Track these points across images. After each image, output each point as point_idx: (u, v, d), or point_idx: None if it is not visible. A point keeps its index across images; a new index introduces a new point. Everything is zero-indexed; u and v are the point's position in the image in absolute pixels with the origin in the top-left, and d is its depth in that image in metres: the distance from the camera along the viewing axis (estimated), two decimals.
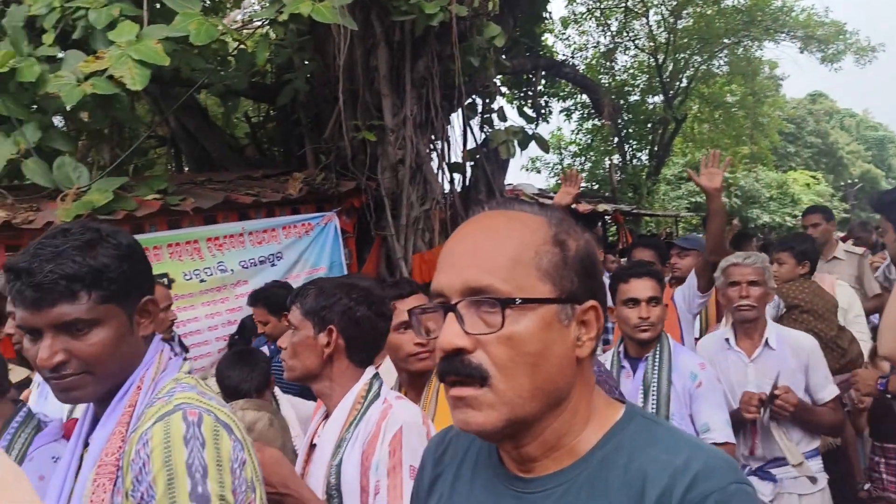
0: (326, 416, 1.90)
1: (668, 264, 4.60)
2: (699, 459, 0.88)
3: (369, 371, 1.90)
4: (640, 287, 2.75)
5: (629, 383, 2.80)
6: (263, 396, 2.92)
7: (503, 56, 7.46)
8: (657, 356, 2.76)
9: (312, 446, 1.93)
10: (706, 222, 3.85)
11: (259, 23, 6.68)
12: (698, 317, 4.10)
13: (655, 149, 17.16)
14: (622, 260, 6.70)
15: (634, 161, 17.45)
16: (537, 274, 0.92)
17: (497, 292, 0.90)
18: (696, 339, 3.80)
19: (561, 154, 19.87)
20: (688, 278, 3.84)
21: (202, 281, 4.82)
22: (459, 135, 7.07)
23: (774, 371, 2.88)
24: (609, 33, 16.84)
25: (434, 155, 6.62)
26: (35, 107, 4.57)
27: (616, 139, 16.67)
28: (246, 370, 2.89)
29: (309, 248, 5.49)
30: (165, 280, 4.49)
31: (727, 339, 3.10)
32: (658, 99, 17.21)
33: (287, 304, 1.97)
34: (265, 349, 3.90)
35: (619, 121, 16.39)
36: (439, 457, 1.12)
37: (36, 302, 1.31)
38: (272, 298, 3.85)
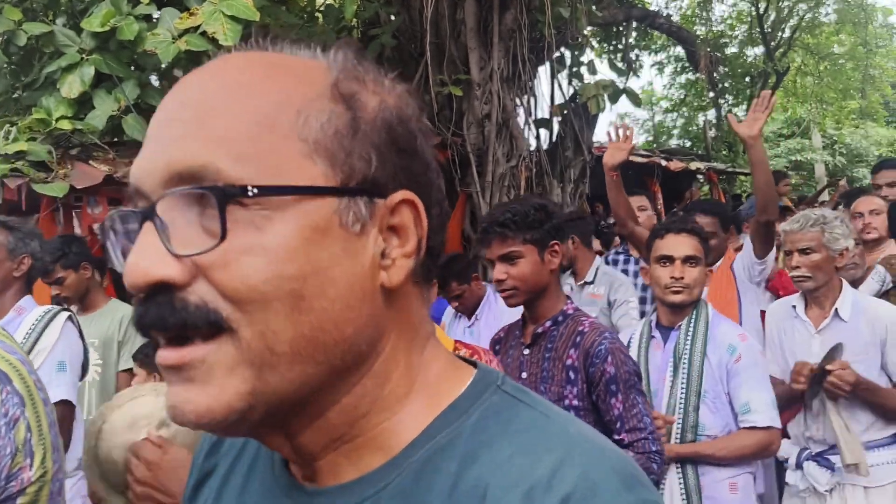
0: None
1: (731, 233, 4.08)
2: (575, 468, 0.52)
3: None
4: (676, 243, 2.44)
5: (659, 355, 2.52)
6: None
7: (594, 7, 7.18)
8: (691, 325, 2.45)
9: None
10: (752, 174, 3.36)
11: None
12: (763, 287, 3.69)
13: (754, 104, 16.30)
14: None
15: (731, 117, 16.66)
16: (301, 147, 0.54)
17: (220, 177, 0.51)
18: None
19: (652, 110, 19.21)
20: (745, 244, 3.48)
21: None
22: (547, 89, 6.92)
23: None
24: None
25: (521, 110, 6.50)
26: (134, 65, 4.72)
27: (711, 94, 15.92)
28: None
29: None
30: None
31: (794, 307, 2.79)
32: (758, 51, 16.25)
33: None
34: None
35: (716, 74, 15.61)
36: (213, 445, 0.73)
37: None
38: None
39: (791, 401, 2.64)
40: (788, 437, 2.76)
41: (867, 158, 21.62)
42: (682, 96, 17.85)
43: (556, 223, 2.07)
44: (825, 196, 10.16)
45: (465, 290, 3.75)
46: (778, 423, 2.36)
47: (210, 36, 4.09)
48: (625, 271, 4.28)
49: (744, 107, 16.65)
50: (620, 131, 3.68)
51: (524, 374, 2.10)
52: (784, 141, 21.07)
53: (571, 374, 1.99)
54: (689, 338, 2.42)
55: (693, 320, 2.45)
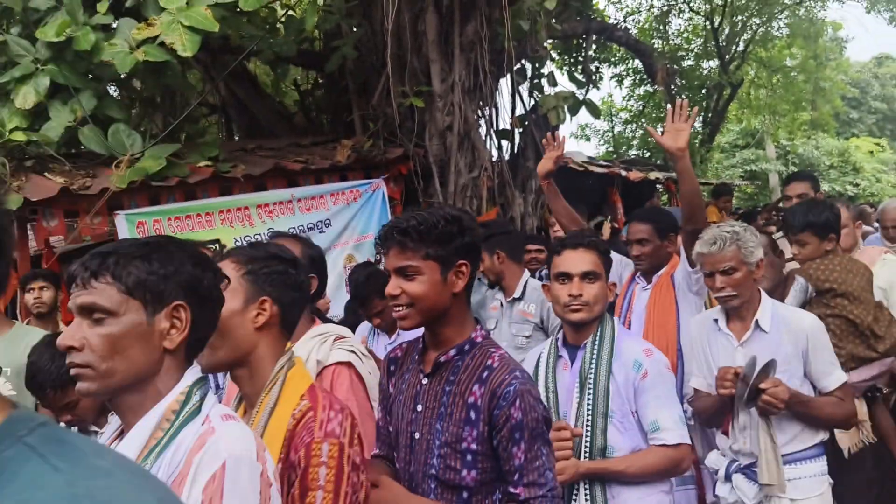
0: (121, 434, 1.35)
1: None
2: None
3: (191, 373, 1.35)
4: (573, 259, 2.33)
5: (567, 376, 2.37)
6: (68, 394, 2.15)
7: (553, 20, 7.29)
8: (596, 342, 2.32)
9: None
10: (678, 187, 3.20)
11: None
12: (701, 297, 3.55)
13: (709, 115, 16.65)
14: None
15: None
16: None
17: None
18: None
19: (612, 121, 19.49)
20: (682, 254, 3.39)
21: None
22: (508, 101, 6.99)
23: (766, 356, 2.50)
24: None
25: (482, 121, 6.56)
26: (90, 75, 4.65)
27: (668, 105, 16.22)
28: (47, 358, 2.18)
29: (357, 215, 5.52)
30: (217, 246, 4.57)
31: (716, 320, 2.73)
32: (713, 64, 16.61)
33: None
34: None
35: (673, 86, 15.94)
36: None
37: None
38: None
39: (722, 410, 2.59)
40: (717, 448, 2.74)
41: (819, 168, 22.25)
42: (640, 108, 18.15)
43: (468, 241, 1.81)
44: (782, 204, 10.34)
45: (387, 306, 3.47)
46: (687, 440, 2.27)
47: (169, 46, 4.06)
48: None
49: (700, 119, 17.01)
50: (551, 141, 3.61)
51: (419, 407, 1.85)
52: (739, 151, 21.57)
53: (473, 414, 1.76)
54: (595, 356, 2.30)
55: (598, 338, 2.33)
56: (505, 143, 6.96)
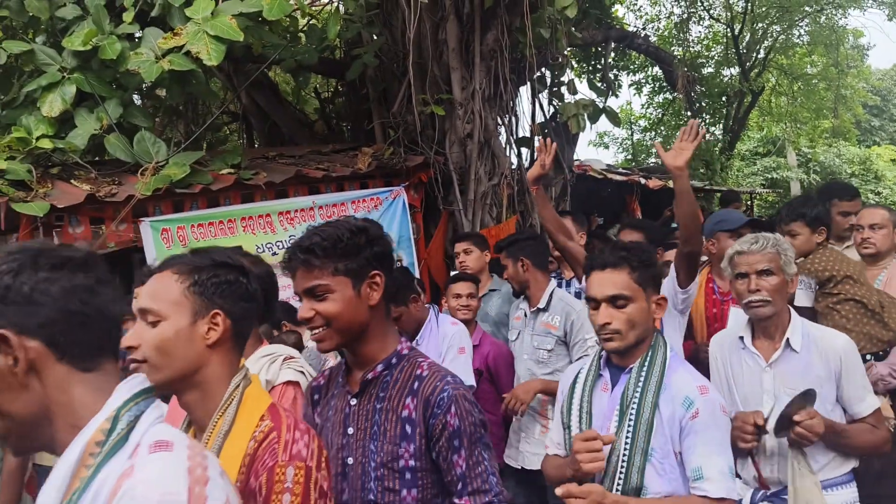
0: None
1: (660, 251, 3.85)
2: None
3: (126, 387, 1.10)
4: (599, 283, 2.07)
5: (605, 398, 2.10)
6: None
7: (573, 28, 7.29)
8: (644, 368, 2.05)
9: None
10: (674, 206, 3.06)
11: None
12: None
13: (730, 123, 16.55)
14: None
15: (708, 136, 16.90)
16: None
17: None
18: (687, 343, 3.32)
19: (630, 129, 19.43)
20: (670, 270, 3.24)
21: (274, 254, 4.91)
22: (528, 108, 6.99)
23: (796, 379, 2.34)
24: (683, 3, 16.24)
25: (502, 129, 6.56)
26: (116, 84, 4.71)
27: (689, 113, 16.14)
28: None
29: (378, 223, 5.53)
30: None
31: (741, 338, 2.52)
32: (734, 71, 16.52)
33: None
34: None
35: (693, 94, 15.86)
36: None
37: None
38: None
39: (736, 449, 2.29)
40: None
41: (840, 176, 22.02)
42: (660, 115, 18.08)
43: (378, 250, 1.72)
44: None
45: (403, 312, 3.46)
46: (734, 496, 2.00)
47: (194, 55, 4.10)
48: None
49: (720, 126, 16.92)
50: (541, 148, 3.58)
51: (350, 430, 1.75)
52: (760, 159, 21.39)
53: (408, 429, 1.68)
54: (640, 385, 2.03)
55: (646, 363, 2.06)
56: (525, 150, 6.96)
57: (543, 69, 7.02)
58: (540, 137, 3.66)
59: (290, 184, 5.21)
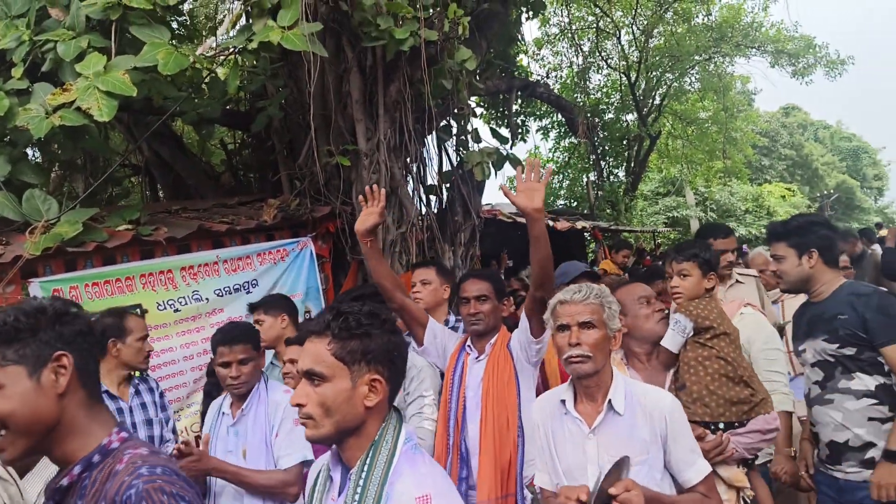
0: None
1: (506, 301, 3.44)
2: None
3: None
4: (301, 353, 1.72)
5: None
6: None
7: (476, 78, 7.53)
8: (363, 471, 1.58)
9: None
10: (530, 249, 2.86)
11: (231, 50, 6.73)
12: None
13: (632, 165, 17.35)
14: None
15: (611, 178, 17.63)
16: None
17: None
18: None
19: (539, 173, 20.01)
20: (521, 319, 3.06)
21: (176, 311, 4.78)
22: (435, 157, 7.12)
23: (621, 445, 2.13)
24: (582, 53, 17.06)
25: (410, 178, 6.65)
26: (5, 140, 4.54)
27: (593, 157, 16.84)
28: None
29: (285, 275, 5.48)
30: (138, 311, 4.45)
31: (563, 401, 2.29)
32: (632, 116, 17.42)
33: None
34: None
35: (595, 138, 16.57)
36: None
37: None
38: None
39: None
40: None
41: (735, 213, 23.31)
42: (566, 159, 18.75)
43: (63, 329, 1.47)
44: None
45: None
46: None
47: (85, 111, 4.01)
48: None
49: (623, 168, 17.69)
50: (370, 195, 3.19)
51: None
52: (661, 199, 22.44)
53: None
54: (359, 492, 1.56)
55: (365, 466, 1.59)
56: (434, 198, 7.07)
57: (448, 118, 7.20)
58: (368, 186, 3.22)
59: (192, 238, 5.10)
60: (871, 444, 2.78)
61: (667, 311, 2.98)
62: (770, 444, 2.83)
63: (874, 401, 2.79)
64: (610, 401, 2.21)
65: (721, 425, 2.66)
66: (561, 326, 2.26)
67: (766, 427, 2.67)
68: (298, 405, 1.59)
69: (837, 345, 2.85)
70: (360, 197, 3.24)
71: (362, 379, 1.58)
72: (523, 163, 2.91)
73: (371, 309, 1.65)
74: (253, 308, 3.86)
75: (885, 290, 6.05)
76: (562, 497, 2.02)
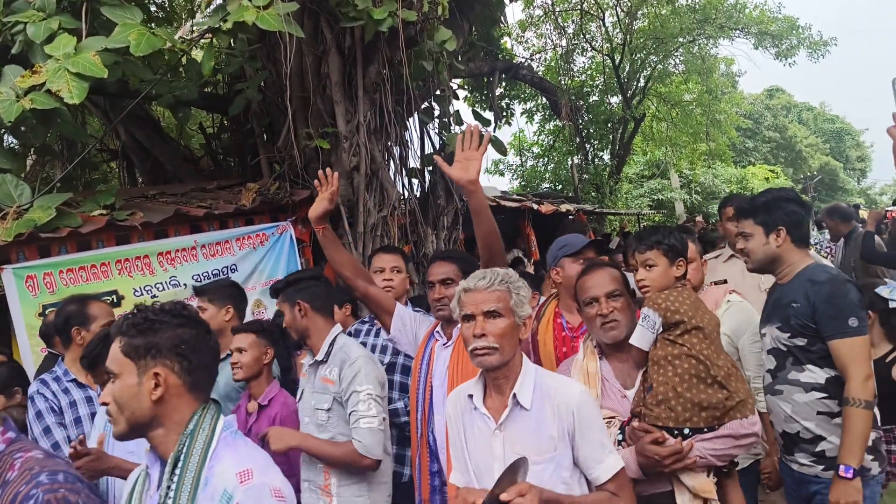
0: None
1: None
2: None
3: None
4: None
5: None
6: None
7: (457, 60, 7.46)
8: (179, 458, 1.59)
9: None
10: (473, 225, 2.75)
11: (206, 32, 6.63)
12: None
13: (616, 148, 17.36)
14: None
15: (596, 161, 17.63)
16: None
17: None
18: None
19: (524, 155, 20.00)
20: None
21: (154, 297, 4.73)
22: (417, 140, 7.07)
23: (527, 442, 2.02)
24: (566, 36, 16.98)
25: (391, 161, 6.60)
26: None
27: (577, 139, 16.82)
28: None
29: (264, 259, 5.44)
30: (114, 297, 4.40)
31: (471, 396, 2.16)
32: (617, 99, 17.41)
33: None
34: None
35: (580, 121, 16.55)
36: None
37: None
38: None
39: None
40: None
41: (719, 195, 23.39)
42: (551, 142, 18.72)
43: None
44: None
45: None
46: None
47: (56, 94, 3.92)
48: (372, 346, 3.48)
49: (608, 151, 17.69)
50: (323, 180, 3.11)
51: None
52: (646, 181, 22.48)
53: None
54: (174, 483, 1.56)
55: (182, 455, 1.60)
56: (416, 181, 7.02)
57: (430, 101, 7.14)
58: (320, 171, 3.12)
59: (170, 223, 5.04)
60: (821, 437, 2.68)
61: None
62: (746, 451, 2.54)
63: (823, 394, 2.67)
64: (515, 395, 2.07)
65: (686, 430, 2.34)
66: (466, 316, 2.12)
67: (741, 432, 2.33)
68: (104, 403, 1.62)
69: (789, 334, 2.72)
70: (316, 181, 3.13)
71: (148, 374, 1.59)
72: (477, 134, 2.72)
73: (169, 305, 1.67)
74: (198, 293, 3.62)
75: (862, 271, 6.07)
76: (459, 501, 1.92)
